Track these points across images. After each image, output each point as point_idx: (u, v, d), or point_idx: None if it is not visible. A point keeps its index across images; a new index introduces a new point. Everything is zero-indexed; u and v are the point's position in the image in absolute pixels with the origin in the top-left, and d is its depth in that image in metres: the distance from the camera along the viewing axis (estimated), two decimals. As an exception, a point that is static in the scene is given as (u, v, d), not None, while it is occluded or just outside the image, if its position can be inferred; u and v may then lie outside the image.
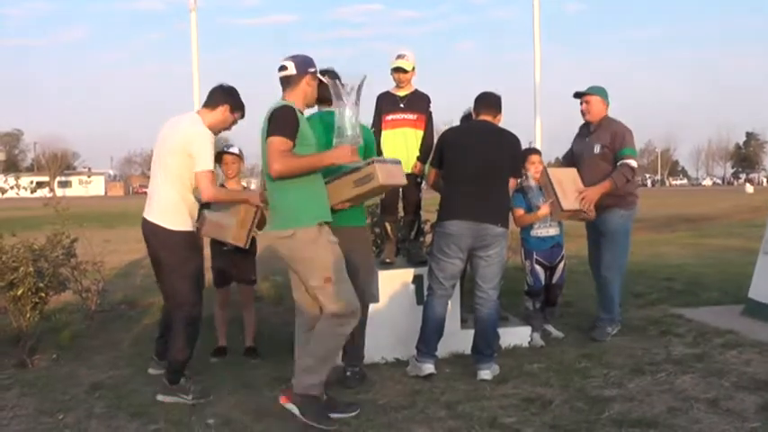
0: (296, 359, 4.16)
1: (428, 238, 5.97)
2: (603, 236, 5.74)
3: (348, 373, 4.70)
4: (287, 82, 4.12)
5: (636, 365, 4.85)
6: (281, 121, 3.94)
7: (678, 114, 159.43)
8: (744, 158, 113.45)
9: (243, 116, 4.77)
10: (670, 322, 6.05)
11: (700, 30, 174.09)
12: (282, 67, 4.13)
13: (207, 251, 5.30)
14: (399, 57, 6.03)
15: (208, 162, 4.42)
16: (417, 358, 4.84)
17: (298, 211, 3.98)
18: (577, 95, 5.83)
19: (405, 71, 5.68)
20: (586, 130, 5.85)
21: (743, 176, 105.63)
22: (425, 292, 5.04)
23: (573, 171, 5.61)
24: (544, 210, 5.43)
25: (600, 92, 5.77)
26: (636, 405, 4.09)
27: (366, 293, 4.64)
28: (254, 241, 5.50)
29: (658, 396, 4.23)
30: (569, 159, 5.99)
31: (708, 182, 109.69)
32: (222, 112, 4.60)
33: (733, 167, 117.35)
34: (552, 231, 5.60)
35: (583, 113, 5.82)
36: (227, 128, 4.72)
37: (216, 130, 4.60)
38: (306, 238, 3.95)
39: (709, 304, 6.84)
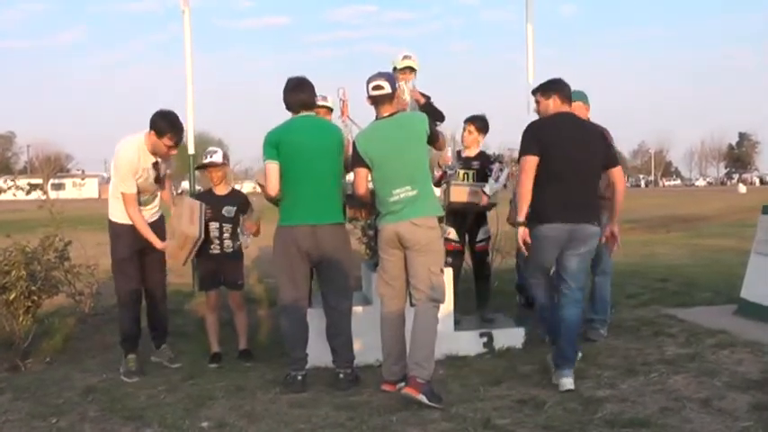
0: (388, 354, 4.59)
1: None
2: None
3: (341, 376, 4.70)
4: (384, 100, 4.55)
5: (629, 366, 4.86)
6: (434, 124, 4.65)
7: (671, 115, 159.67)
8: (737, 159, 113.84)
9: (176, 141, 5.02)
10: (663, 323, 6.07)
11: (694, 31, 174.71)
12: (378, 87, 4.50)
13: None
14: (406, 57, 6.10)
15: (118, 184, 5.02)
16: (557, 370, 4.55)
17: (438, 206, 4.59)
18: None
19: (413, 69, 5.75)
20: None
21: (736, 177, 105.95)
22: (541, 298, 4.86)
23: None
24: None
25: (581, 97, 5.76)
26: (629, 405, 4.10)
27: (349, 292, 4.83)
28: (239, 247, 5.53)
29: (651, 396, 4.25)
30: None
31: (702, 182, 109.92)
32: (149, 136, 4.98)
33: (726, 168, 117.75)
34: None
35: None
36: (164, 152, 5.04)
37: (155, 154, 5.05)
38: (440, 231, 4.55)
39: (702, 304, 6.86)
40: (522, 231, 4.53)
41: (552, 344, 4.75)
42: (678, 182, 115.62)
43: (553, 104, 4.71)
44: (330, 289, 4.79)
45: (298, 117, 4.73)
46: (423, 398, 4.19)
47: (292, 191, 4.66)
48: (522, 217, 4.50)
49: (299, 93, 4.72)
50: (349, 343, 4.78)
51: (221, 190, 5.60)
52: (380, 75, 4.55)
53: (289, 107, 4.74)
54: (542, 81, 4.87)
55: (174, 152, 5.13)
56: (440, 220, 4.58)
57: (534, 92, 4.90)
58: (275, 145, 4.62)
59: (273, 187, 4.63)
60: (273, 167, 4.61)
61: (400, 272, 4.57)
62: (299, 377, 4.65)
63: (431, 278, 4.42)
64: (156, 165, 5.16)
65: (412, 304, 4.51)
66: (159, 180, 5.26)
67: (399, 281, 4.59)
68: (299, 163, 4.61)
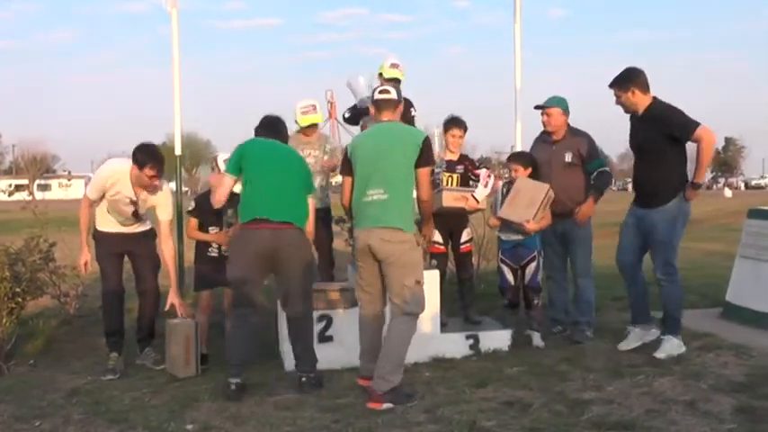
0: (364, 351, 4.64)
1: None
2: (574, 243, 5.86)
3: (303, 379, 4.66)
4: (388, 105, 4.59)
5: (615, 368, 4.87)
6: (431, 153, 4.54)
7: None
8: (723, 163, 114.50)
9: (157, 171, 5.16)
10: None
11: (681, 34, 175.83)
12: (384, 91, 4.64)
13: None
14: (394, 65, 6.12)
15: (88, 187, 5.34)
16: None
17: (411, 217, 4.51)
18: (538, 108, 5.88)
19: (399, 81, 5.76)
20: (549, 138, 5.89)
21: (722, 181, 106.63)
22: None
23: (542, 189, 5.53)
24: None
25: (560, 103, 5.81)
26: (615, 408, 4.11)
27: (306, 298, 4.81)
28: None
29: (637, 399, 4.26)
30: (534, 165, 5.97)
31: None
32: (133, 169, 5.17)
33: (713, 172, 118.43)
34: (513, 237, 5.66)
35: (544, 125, 5.88)
36: (148, 183, 5.21)
37: (142, 187, 5.24)
38: (413, 242, 4.45)
39: (688, 308, 6.84)
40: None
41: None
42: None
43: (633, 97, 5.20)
44: (287, 294, 4.77)
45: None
46: (388, 406, 4.23)
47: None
48: None
49: (269, 132, 4.88)
50: (310, 348, 4.78)
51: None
52: (390, 83, 4.96)
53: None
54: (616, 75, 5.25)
55: (156, 183, 5.23)
56: (417, 223, 4.60)
57: (611, 86, 5.28)
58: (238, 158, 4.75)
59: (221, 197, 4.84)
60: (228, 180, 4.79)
61: (375, 279, 4.57)
62: (233, 385, 4.55)
63: (404, 291, 4.39)
64: (134, 202, 5.29)
65: None
66: (137, 215, 5.37)
67: (375, 287, 4.60)
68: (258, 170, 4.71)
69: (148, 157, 5.13)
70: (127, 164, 5.23)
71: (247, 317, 4.67)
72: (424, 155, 4.45)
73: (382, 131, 4.58)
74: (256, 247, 4.59)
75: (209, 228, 5.47)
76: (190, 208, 5.63)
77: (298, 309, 4.74)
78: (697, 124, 5.03)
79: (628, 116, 5.40)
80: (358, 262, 4.62)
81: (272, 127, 4.92)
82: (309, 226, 4.81)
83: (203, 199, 5.59)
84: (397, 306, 4.43)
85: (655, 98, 5.22)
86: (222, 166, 5.32)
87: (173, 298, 5.38)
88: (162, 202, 5.40)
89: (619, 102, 5.29)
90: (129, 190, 5.25)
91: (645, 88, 5.20)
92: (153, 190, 5.30)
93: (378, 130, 4.64)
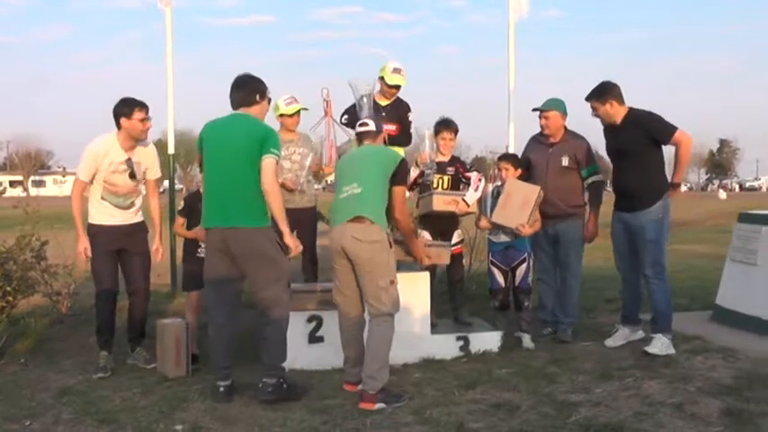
0: (347, 357, 4.72)
1: None
2: (566, 245, 5.92)
3: (260, 384, 4.49)
4: (368, 136, 4.86)
5: (604, 371, 4.90)
6: (406, 174, 4.88)
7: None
8: (717, 165, 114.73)
9: (146, 113, 5.25)
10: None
11: (676, 36, 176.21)
12: (364, 124, 4.93)
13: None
14: (396, 70, 6.10)
15: (78, 171, 5.31)
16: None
17: (383, 212, 4.54)
18: (536, 110, 5.92)
19: (399, 88, 5.78)
20: (546, 140, 5.93)
21: (716, 183, 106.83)
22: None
23: (533, 191, 5.57)
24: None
25: (558, 106, 5.87)
26: (602, 410, 4.14)
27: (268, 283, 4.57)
28: None
29: (625, 401, 4.28)
30: (524, 167, 6.00)
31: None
32: (122, 128, 5.22)
33: (707, 174, 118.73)
34: (503, 237, 5.70)
35: (542, 128, 5.91)
36: (141, 129, 5.24)
37: (135, 140, 5.28)
38: (385, 241, 4.49)
39: (677, 310, 6.84)
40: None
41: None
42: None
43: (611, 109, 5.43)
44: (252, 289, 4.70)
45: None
46: (380, 406, 4.26)
47: (206, 190, 4.68)
48: None
49: (234, 91, 4.66)
50: (271, 349, 4.54)
51: None
52: (370, 117, 5.15)
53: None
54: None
55: (149, 125, 5.27)
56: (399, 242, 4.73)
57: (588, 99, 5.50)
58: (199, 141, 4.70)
59: None
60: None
61: (351, 281, 4.61)
62: (222, 388, 4.53)
63: (378, 292, 4.44)
64: (129, 161, 5.26)
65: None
66: (134, 177, 5.31)
67: (351, 289, 4.64)
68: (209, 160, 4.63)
69: (131, 103, 5.20)
70: (110, 133, 5.27)
71: (222, 318, 4.60)
72: (400, 173, 4.63)
73: (364, 149, 4.88)
74: (215, 246, 4.58)
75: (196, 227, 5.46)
76: (179, 207, 5.66)
77: (262, 301, 4.56)
78: (675, 128, 5.32)
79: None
80: (334, 264, 4.67)
81: (231, 91, 4.69)
82: (268, 185, 4.40)
83: (191, 198, 5.62)
84: (374, 307, 4.48)
85: (630, 108, 5.48)
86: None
87: (158, 243, 5.53)
88: (151, 163, 5.47)
89: (596, 114, 5.55)
90: (122, 153, 5.26)
91: (621, 99, 5.47)
92: (145, 142, 5.36)
93: (360, 149, 4.93)
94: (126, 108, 5.18)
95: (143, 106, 5.23)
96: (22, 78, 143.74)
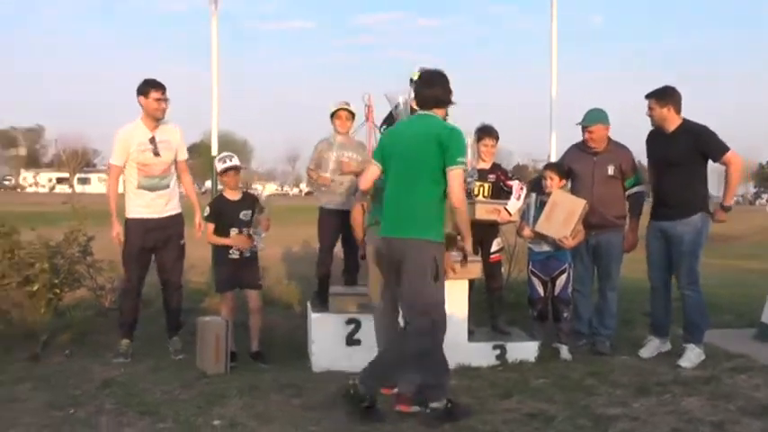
0: (377, 363, 4.35)
1: None
2: (606, 256, 5.91)
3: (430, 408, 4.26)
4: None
5: (642, 385, 4.84)
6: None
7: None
8: (766, 178, 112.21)
9: (162, 92, 5.51)
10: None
11: (726, 45, 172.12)
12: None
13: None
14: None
15: (111, 159, 5.58)
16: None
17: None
18: (579, 125, 5.89)
19: None
20: (590, 149, 5.88)
21: (765, 196, 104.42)
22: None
23: (579, 204, 5.54)
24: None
25: (601, 118, 5.82)
26: (639, 425, 4.09)
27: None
28: (256, 250, 5.61)
29: (662, 417, 4.22)
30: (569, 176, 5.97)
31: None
32: (143, 110, 5.52)
33: (755, 188, 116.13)
34: (545, 247, 5.68)
35: (586, 142, 5.87)
36: (157, 108, 5.50)
37: (155, 121, 5.54)
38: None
39: (721, 327, 6.78)
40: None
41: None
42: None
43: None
44: None
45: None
46: (416, 409, 4.25)
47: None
48: None
49: (426, 87, 4.39)
50: (430, 366, 4.26)
51: (234, 195, 5.67)
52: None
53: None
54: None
55: (164, 105, 5.54)
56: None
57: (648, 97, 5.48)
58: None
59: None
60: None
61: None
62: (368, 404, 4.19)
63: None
64: (152, 140, 5.52)
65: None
66: (157, 154, 5.55)
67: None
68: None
69: (149, 83, 5.51)
70: (133, 121, 5.59)
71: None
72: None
73: None
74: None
75: (230, 229, 5.56)
76: (206, 213, 5.63)
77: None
78: (728, 148, 5.33)
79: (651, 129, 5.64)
80: (371, 265, 4.68)
81: (421, 87, 4.42)
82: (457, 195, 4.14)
83: (218, 202, 5.68)
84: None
85: (684, 119, 5.46)
86: (218, 166, 5.66)
87: (198, 218, 5.68)
88: (177, 144, 5.72)
89: (651, 113, 5.52)
90: (147, 132, 5.54)
91: (679, 108, 5.45)
92: (164, 120, 5.61)
93: None
94: (144, 87, 5.49)
95: (159, 87, 5.50)
96: (71, 79, 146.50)
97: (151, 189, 5.56)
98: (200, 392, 4.65)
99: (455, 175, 4.11)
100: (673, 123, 5.46)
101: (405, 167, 4.26)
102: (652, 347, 5.70)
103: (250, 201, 5.68)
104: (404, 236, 4.20)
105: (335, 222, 5.83)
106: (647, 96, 5.53)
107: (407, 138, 4.32)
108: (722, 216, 5.45)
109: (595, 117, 5.81)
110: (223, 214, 5.56)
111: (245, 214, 5.58)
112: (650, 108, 5.51)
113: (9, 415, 4.20)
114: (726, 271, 11.73)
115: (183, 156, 5.82)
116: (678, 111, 5.45)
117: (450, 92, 4.39)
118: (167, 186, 5.63)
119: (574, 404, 4.45)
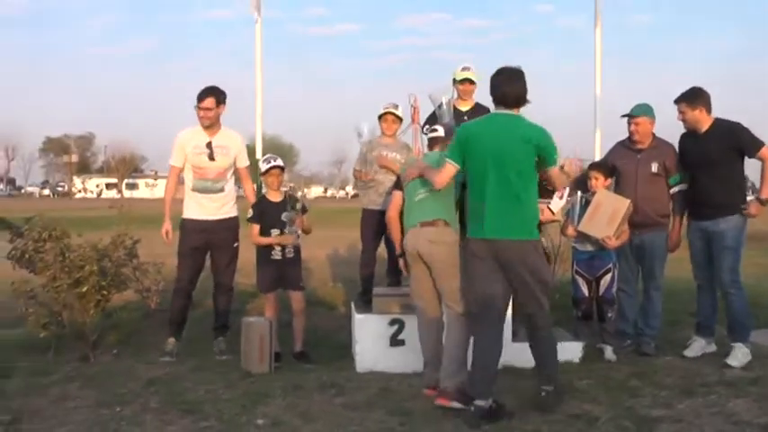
0: (426, 362, 4.75)
1: None
2: (651, 256, 5.84)
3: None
4: (437, 141, 4.91)
5: (687, 386, 4.76)
6: None
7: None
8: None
9: (205, 103, 5.67)
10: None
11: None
12: (434, 130, 5.01)
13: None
14: (465, 68, 6.16)
15: (170, 161, 5.87)
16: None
17: (456, 221, 4.70)
18: (625, 116, 5.83)
19: (473, 82, 5.79)
20: (634, 146, 5.82)
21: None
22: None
23: (623, 204, 5.48)
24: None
25: (648, 111, 5.77)
26: (684, 426, 4.03)
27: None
28: (298, 250, 5.66)
29: (708, 419, 4.15)
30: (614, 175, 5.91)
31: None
32: (197, 113, 5.72)
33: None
34: (589, 247, 5.63)
35: (631, 134, 5.81)
36: (205, 116, 5.69)
37: (207, 128, 5.74)
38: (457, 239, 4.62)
39: (765, 327, 6.63)
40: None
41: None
42: (752, 197, 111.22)
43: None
44: None
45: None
46: (455, 404, 4.31)
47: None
48: None
49: (508, 84, 4.30)
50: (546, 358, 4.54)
51: (276, 196, 5.72)
52: (443, 123, 5.12)
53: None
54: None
55: (207, 114, 5.69)
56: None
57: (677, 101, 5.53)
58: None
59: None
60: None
61: (429, 284, 4.67)
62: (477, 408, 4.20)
63: (456, 294, 4.53)
64: (209, 144, 5.71)
65: None
66: (212, 159, 5.73)
67: (429, 292, 4.70)
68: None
69: (200, 93, 5.71)
70: (196, 125, 5.79)
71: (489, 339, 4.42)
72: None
73: (432, 155, 4.93)
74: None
75: (271, 230, 5.62)
76: (249, 216, 5.69)
77: None
78: (763, 143, 5.38)
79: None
80: (411, 266, 4.75)
81: (502, 84, 4.31)
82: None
83: (261, 204, 5.74)
84: (450, 308, 4.56)
85: (716, 117, 5.48)
86: (262, 167, 5.71)
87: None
88: (237, 150, 5.87)
89: (684, 117, 5.54)
90: (204, 137, 5.75)
91: (709, 108, 5.48)
92: (216, 125, 5.77)
93: (430, 154, 5.03)
94: (198, 95, 5.71)
95: (201, 97, 5.68)
96: (121, 87, 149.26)
97: (203, 191, 5.75)
98: (243, 392, 4.72)
99: (557, 175, 4.35)
100: (705, 123, 5.48)
101: (502, 168, 4.19)
102: (697, 348, 5.63)
103: (291, 202, 5.73)
104: (516, 237, 4.24)
105: (377, 223, 5.86)
106: (677, 101, 5.56)
107: (499, 139, 4.22)
108: (758, 210, 5.44)
109: (641, 109, 5.75)
110: (265, 215, 5.63)
111: (286, 216, 5.63)
112: (682, 112, 5.54)
113: (61, 413, 4.33)
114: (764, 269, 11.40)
115: (243, 162, 5.95)
116: (709, 111, 5.46)
117: (527, 91, 4.34)
118: (221, 190, 5.78)
119: (617, 405, 4.40)
